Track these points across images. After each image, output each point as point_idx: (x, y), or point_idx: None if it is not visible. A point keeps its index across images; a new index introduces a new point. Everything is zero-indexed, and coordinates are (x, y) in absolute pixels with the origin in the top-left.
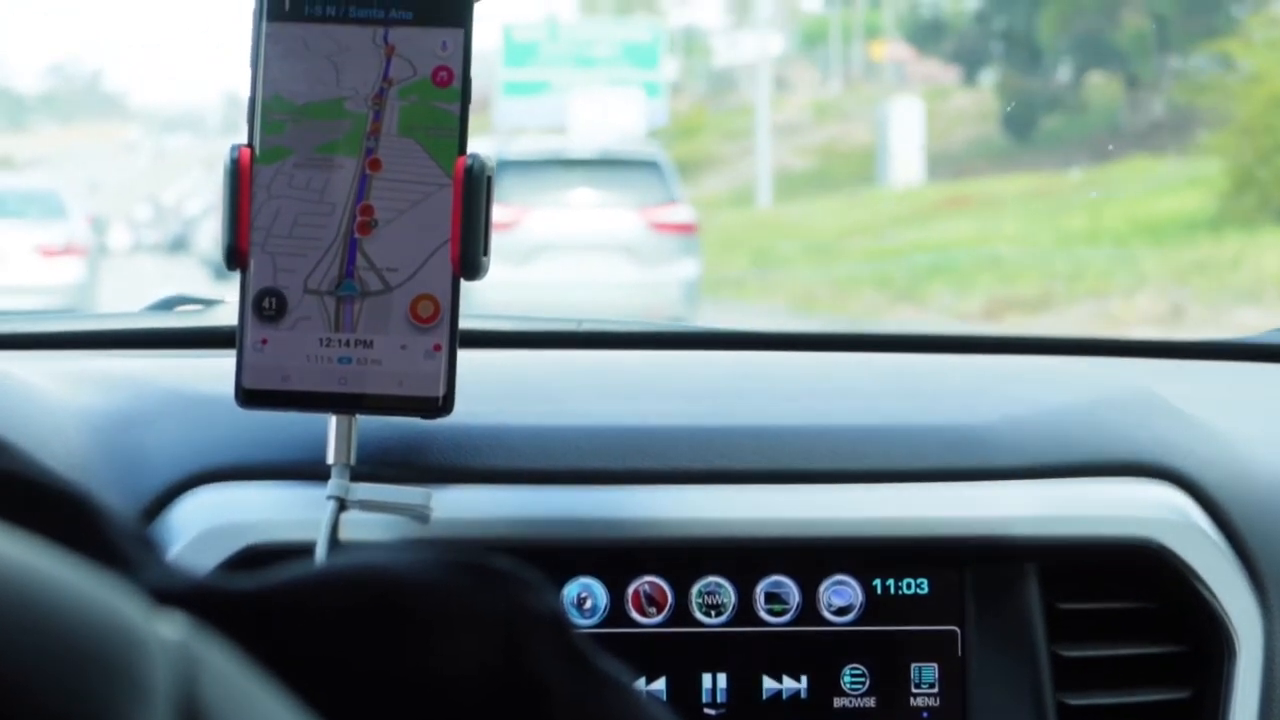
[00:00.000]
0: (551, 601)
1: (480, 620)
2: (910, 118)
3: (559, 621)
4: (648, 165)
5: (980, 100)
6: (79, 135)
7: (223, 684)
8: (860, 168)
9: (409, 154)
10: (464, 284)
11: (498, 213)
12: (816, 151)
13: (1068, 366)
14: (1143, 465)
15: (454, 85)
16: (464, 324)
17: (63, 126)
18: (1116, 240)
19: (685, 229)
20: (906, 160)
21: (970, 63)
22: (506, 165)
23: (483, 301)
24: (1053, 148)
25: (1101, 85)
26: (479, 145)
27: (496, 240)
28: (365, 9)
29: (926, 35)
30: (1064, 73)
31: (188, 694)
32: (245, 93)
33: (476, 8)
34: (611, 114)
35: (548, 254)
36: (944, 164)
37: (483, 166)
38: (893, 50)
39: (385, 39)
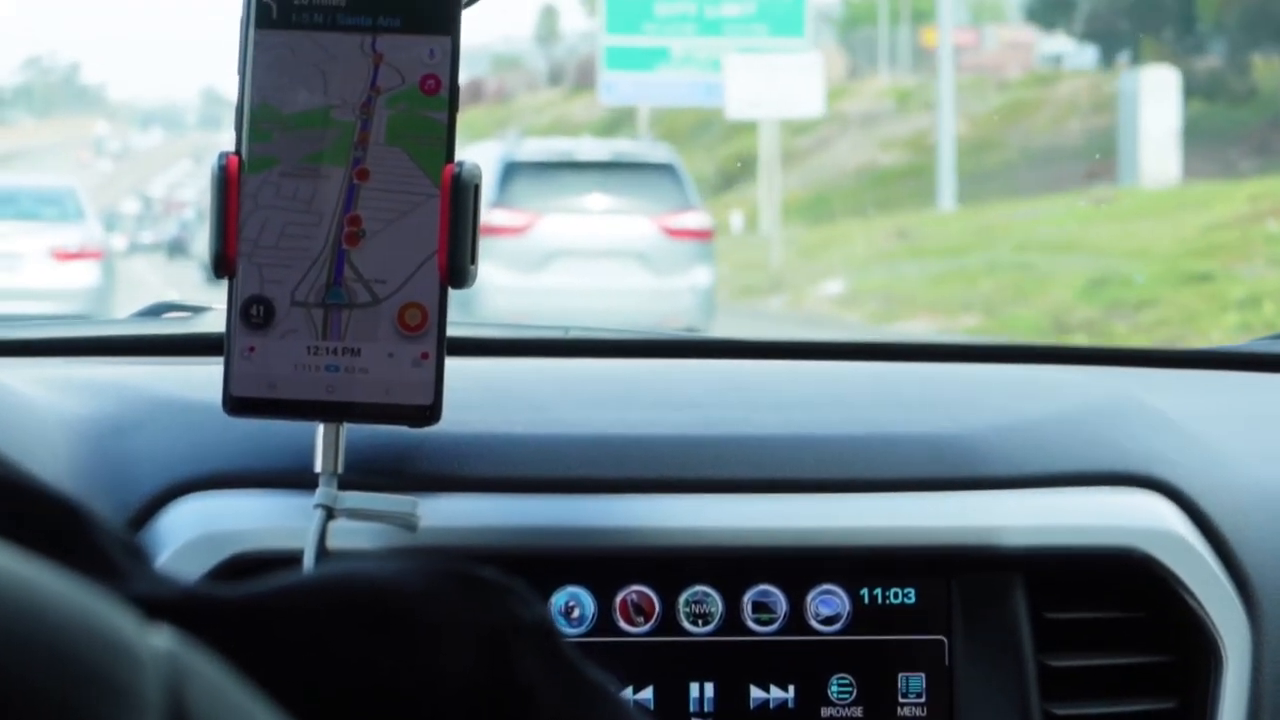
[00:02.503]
0: (539, 610)
1: (468, 629)
2: (1164, 95)
3: (547, 630)
4: (663, 169)
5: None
6: (55, 130)
7: (210, 695)
8: (965, 162)
9: (397, 163)
10: (470, 290)
11: (509, 218)
12: (905, 145)
13: (1055, 376)
14: (1130, 475)
15: (441, 94)
16: (451, 331)
17: (39, 120)
18: None
19: (701, 235)
20: (1160, 150)
21: (1107, 42)
22: (517, 168)
23: (494, 308)
24: (1204, 139)
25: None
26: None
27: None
28: (353, 17)
29: (1052, 12)
30: (1224, 52)
31: (176, 705)
32: (227, 91)
33: (464, 16)
34: (781, 86)
35: (560, 260)
36: (1064, 157)
37: (470, 175)
38: (960, 36)
39: (373, 47)
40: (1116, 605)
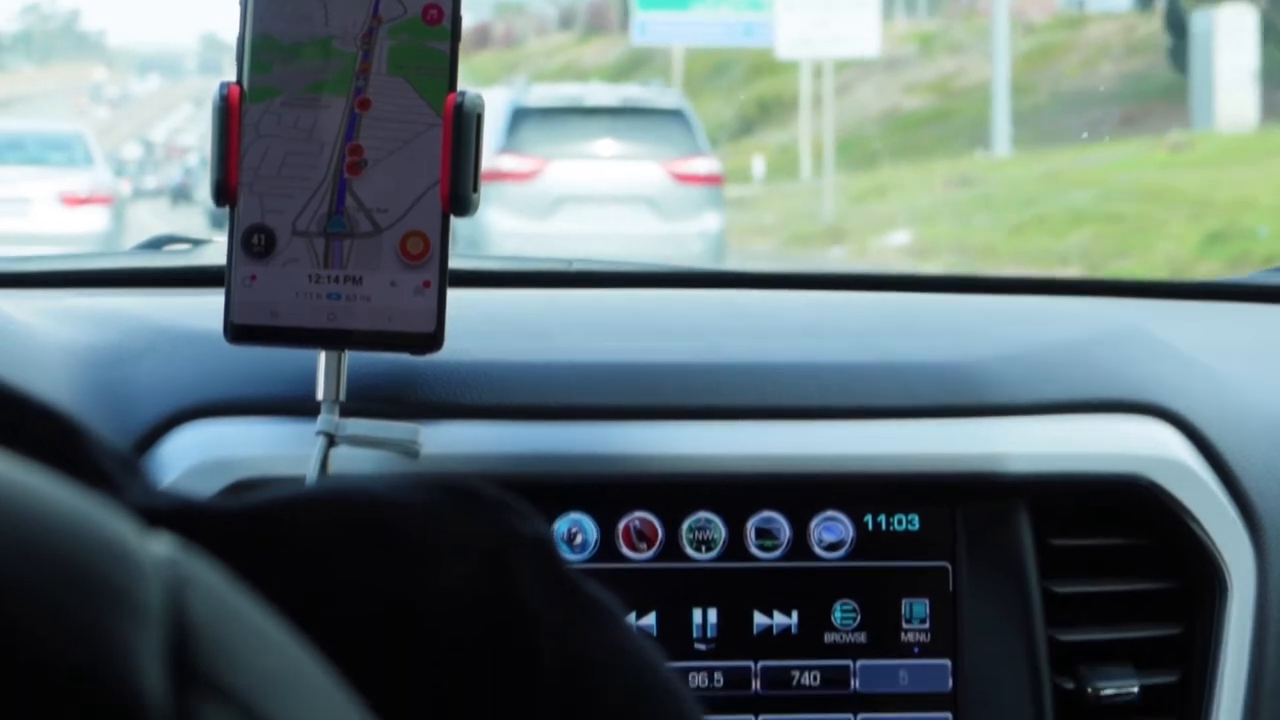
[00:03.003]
0: (539, 527)
1: (467, 544)
2: (1241, 35)
3: (546, 547)
4: (672, 114)
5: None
6: (54, 76)
7: (211, 601)
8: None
9: (399, 93)
10: (477, 236)
11: (517, 163)
12: (929, 89)
13: (1061, 306)
14: (1134, 402)
15: (444, 24)
16: (455, 263)
17: (39, 67)
18: None
19: (710, 181)
20: (1235, 92)
21: None
22: (525, 114)
23: (503, 252)
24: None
25: None
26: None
27: (516, 192)
28: None
29: None
30: None
31: (177, 611)
32: (227, 37)
33: None
34: (836, 24)
35: (569, 206)
36: (1097, 102)
37: (473, 104)
38: None
39: None
40: (1121, 532)
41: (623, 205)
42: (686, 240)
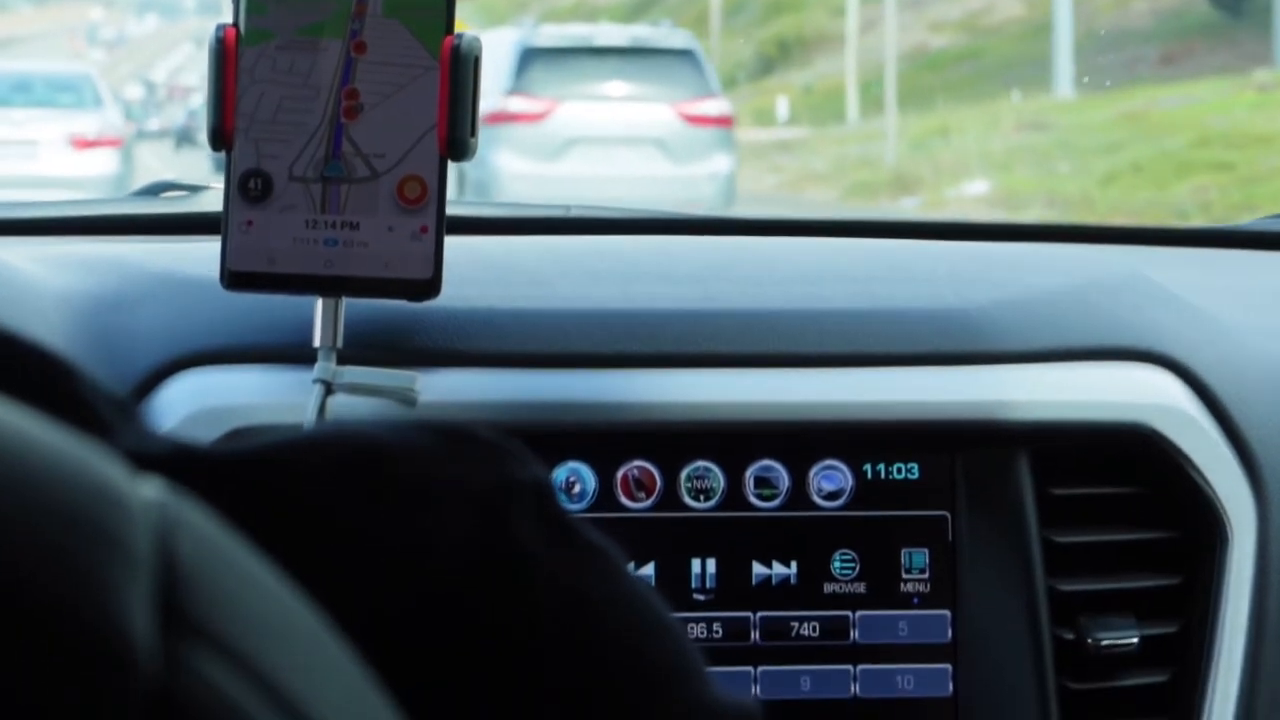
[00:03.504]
0: (536, 471)
1: (463, 487)
2: None
3: (544, 491)
4: (682, 55)
5: None
6: (54, 16)
7: (201, 545)
8: (1027, 47)
9: (394, 36)
10: (487, 178)
11: (526, 105)
12: (957, 27)
13: (1061, 252)
14: (1135, 350)
15: None
16: (453, 210)
17: (38, 7)
18: None
19: (721, 122)
20: None
21: None
22: (534, 54)
23: (511, 196)
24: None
25: None
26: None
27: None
28: None
29: None
30: None
31: (166, 555)
32: None
33: None
34: None
35: (578, 148)
36: (1134, 41)
37: (470, 46)
38: None
39: None
40: (1122, 481)
41: (632, 147)
42: (697, 182)
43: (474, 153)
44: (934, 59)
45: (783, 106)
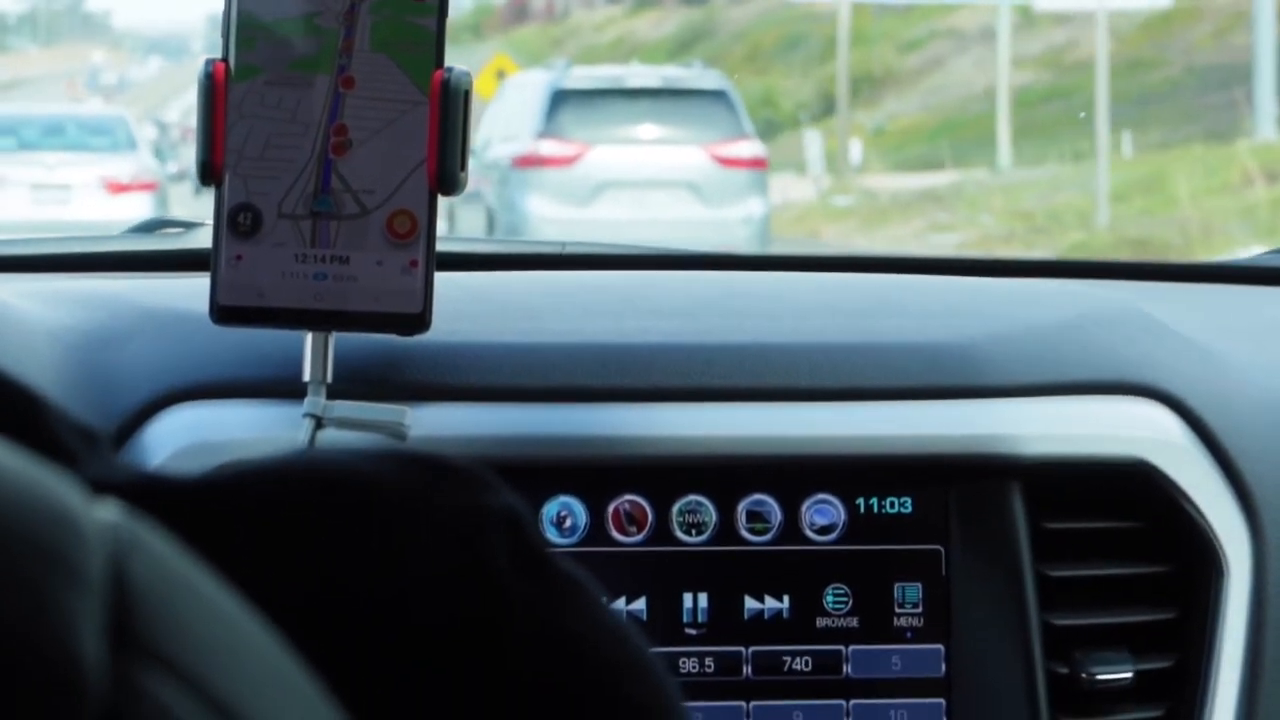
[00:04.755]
0: (510, 501)
1: (433, 517)
2: None
3: (517, 521)
4: (715, 96)
5: None
6: (59, 58)
7: (155, 569)
8: (1120, 85)
9: (383, 71)
10: (519, 223)
11: (558, 148)
12: (1040, 63)
13: (1056, 287)
14: (1130, 384)
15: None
16: (447, 245)
17: (45, 48)
18: None
19: (755, 164)
20: None
21: None
22: (565, 95)
23: (542, 239)
24: None
25: None
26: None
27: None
28: None
29: None
30: None
31: (118, 577)
32: (221, 9)
33: None
34: None
35: (610, 192)
36: (1241, 77)
37: (460, 80)
38: None
39: None
40: (1116, 515)
41: (665, 190)
42: (731, 226)
43: (464, 187)
44: (1019, 97)
45: (855, 149)
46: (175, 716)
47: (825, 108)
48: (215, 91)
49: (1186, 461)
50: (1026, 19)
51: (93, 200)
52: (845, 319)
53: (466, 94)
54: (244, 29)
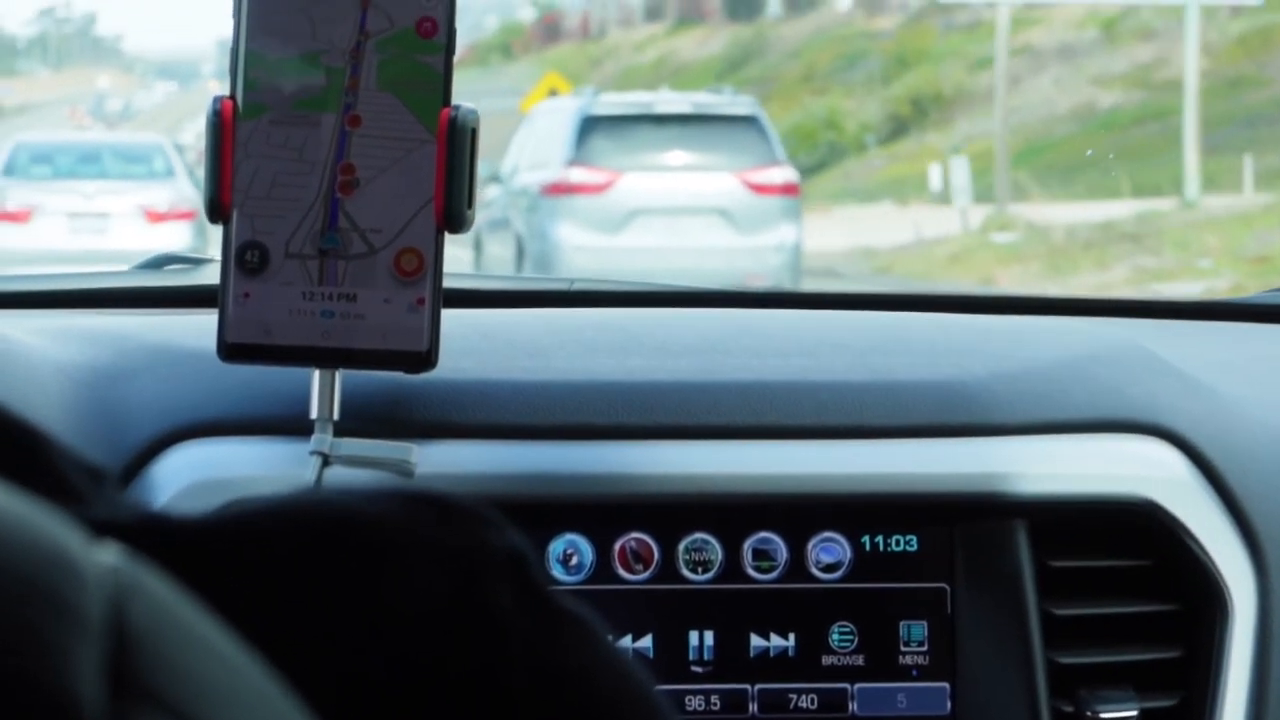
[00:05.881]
0: (513, 539)
1: (436, 555)
2: None
3: (519, 560)
4: (746, 121)
5: None
6: (69, 82)
7: (154, 611)
8: (1218, 105)
9: (389, 109)
10: (549, 252)
11: (588, 176)
12: (1127, 82)
13: (1061, 325)
14: (1135, 422)
15: (438, 38)
16: (453, 283)
17: (55, 72)
18: None
19: (787, 190)
20: None
21: None
22: (595, 122)
23: (574, 270)
24: None
25: None
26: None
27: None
28: None
29: None
30: None
31: (118, 620)
32: (230, 43)
33: None
34: None
35: (641, 219)
36: None
37: (466, 119)
38: None
39: None
40: (1121, 553)
41: (696, 217)
42: (763, 253)
43: (471, 225)
44: (1107, 119)
45: (935, 175)
46: None
47: (894, 130)
48: (223, 129)
49: (1191, 500)
50: (1108, 34)
51: (132, 229)
52: (851, 357)
53: (474, 132)
54: (251, 67)
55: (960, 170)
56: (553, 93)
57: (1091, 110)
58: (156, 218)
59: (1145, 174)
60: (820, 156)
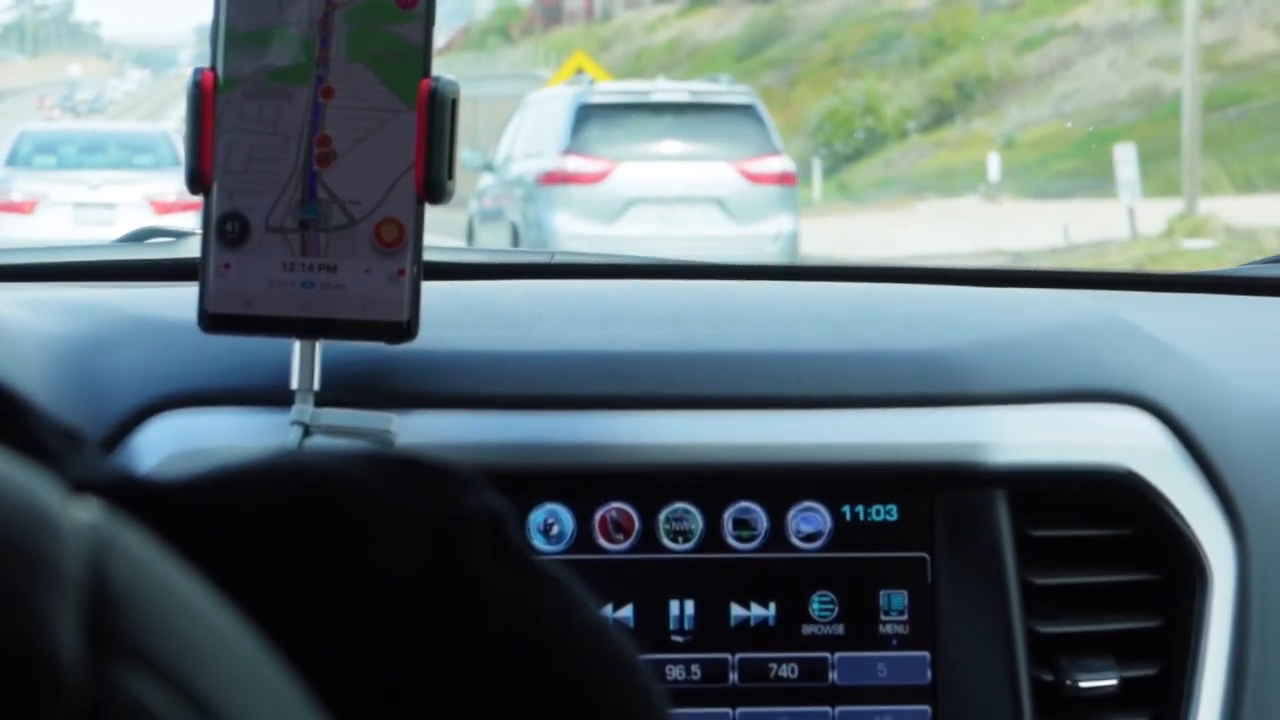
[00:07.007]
0: (490, 500)
1: (413, 516)
2: None
3: (497, 520)
4: (743, 110)
5: None
6: (45, 69)
7: (134, 568)
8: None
9: (361, 80)
10: (546, 241)
11: (584, 165)
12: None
13: (1041, 295)
14: (1115, 392)
15: (417, 9)
16: (436, 256)
17: (31, 59)
18: None
19: (784, 180)
20: None
21: None
22: (590, 110)
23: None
24: None
25: None
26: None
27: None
28: None
29: None
30: None
31: (97, 576)
32: (209, 20)
33: None
34: None
35: (637, 209)
36: None
37: (446, 89)
38: None
39: None
40: (1101, 523)
41: (693, 207)
42: (760, 242)
43: (451, 195)
44: (1171, 105)
45: (994, 165)
46: (154, 714)
47: (937, 116)
48: (204, 100)
49: (1171, 470)
50: (1166, 12)
51: (138, 219)
52: (831, 327)
53: (453, 103)
54: (228, 39)
55: (1126, 161)
56: (580, 72)
57: (1156, 95)
58: (164, 208)
59: (1236, 165)
60: (858, 144)
